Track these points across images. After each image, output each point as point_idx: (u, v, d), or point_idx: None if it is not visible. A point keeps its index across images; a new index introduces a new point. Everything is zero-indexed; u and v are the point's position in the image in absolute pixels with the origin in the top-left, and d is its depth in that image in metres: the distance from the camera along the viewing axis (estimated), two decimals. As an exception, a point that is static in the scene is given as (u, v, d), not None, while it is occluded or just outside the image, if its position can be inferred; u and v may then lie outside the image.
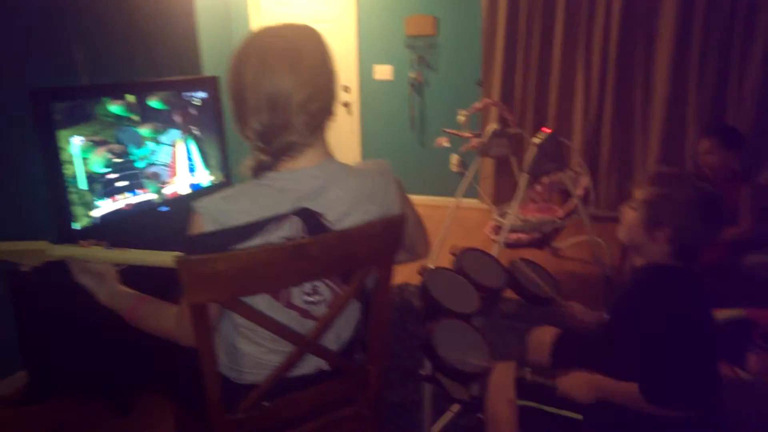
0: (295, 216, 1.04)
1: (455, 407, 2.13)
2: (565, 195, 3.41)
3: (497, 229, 3.34)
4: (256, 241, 1.02)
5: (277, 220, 1.03)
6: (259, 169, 1.06)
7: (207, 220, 1.01)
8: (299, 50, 1.03)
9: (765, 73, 3.73)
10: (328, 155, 1.13)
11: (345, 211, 1.10)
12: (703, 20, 3.82)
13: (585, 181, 3.38)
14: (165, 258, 1.11)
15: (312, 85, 1.03)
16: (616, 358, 1.40)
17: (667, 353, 1.26)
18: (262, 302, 1.08)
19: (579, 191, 3.33)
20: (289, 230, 1.05)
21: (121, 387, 2.23)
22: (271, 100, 1.01)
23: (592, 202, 3.34)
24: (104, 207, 2.19)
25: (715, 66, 3.87)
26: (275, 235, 1.03)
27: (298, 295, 1.11)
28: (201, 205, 1.01)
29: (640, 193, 1.38)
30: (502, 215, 3.38)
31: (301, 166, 1.08)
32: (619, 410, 1.31)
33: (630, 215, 1.40)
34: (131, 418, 2.19)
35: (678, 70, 3.98)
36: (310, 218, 1.05)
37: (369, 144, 5.15)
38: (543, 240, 3.22)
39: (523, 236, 3.20)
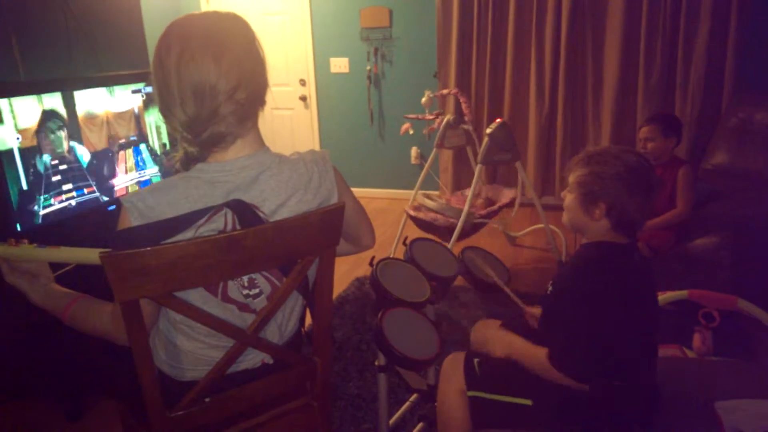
0: (227, 208, 1.02)
1: (414, 397, 2.15)
2: (489, 202, 3.51)
3: (418, 207, 3.40)
4: (187, 235, 0.99)
5: (208, 212, 1.01)
6: (188, 161, 1.04)
7: (133, 214, 0.98)
8: (223, 37, 1.00)
9: (709, 61, 3.83)
10: (260, 145, 1.10)
11: (280, 202, 1.08)
12: (649, 9, 3.91)
13: (511, 193, 3.48)
14: (95, 255, 1.07)
15: (238, 74, 1.00)
16: (552, 329, 1.43)
17: (582, 323, 1.30)
18: (196, 297, 1.06)
19: (504, 200, 3.43)
20: (222, 223, 1.03)
21: (71, 391, 2.17)
22: (196, 90, 0.98)
23: (514, 212, 3.56)
24: (48, 207, 2.12)
25: (662, 55, 3.96)
26: (207, 228, 1.01)
27: (235, 288, 1.10)
28: (127, 199, 0.98)
29: (572, 177, 1.41)
30: (428, 197, 3.44)
31: (232, 157, 1.06)
32: (565, 393, 1.33)
33: (568, 199, 1.43)
34: (82, 422, 2.14)
35: (627, 60, 4.06)
36: (243, 210, 1.03)
37: (327, 138, 5.12)
38: (452, 229, 3.21)
39: (440, 217, 3.23)
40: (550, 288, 1.48)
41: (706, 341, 2.01)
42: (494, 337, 1.48)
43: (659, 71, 3.99)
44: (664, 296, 2.01)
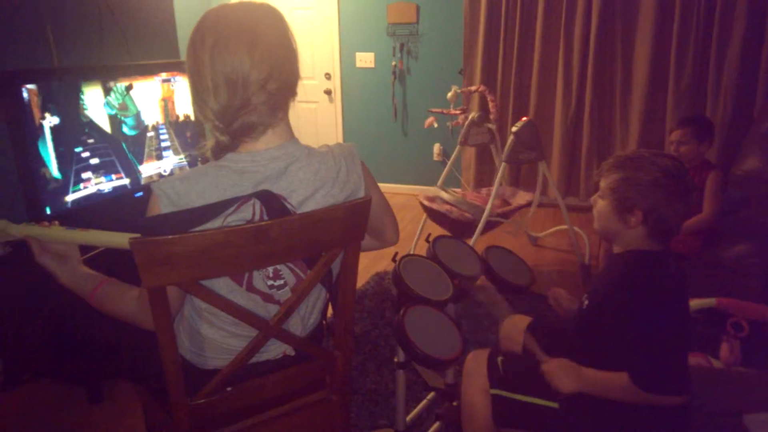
0: (255, 198, 1.02)
1: (431, 395, 2.14)
2: (505, 203, 3.47)
3: (433, 198, 3.38)
4: (215, 224, 0.99)
5: (237, 202, 1.01)
6: (219, 150, 1.03)
7: (163, 201, 0.98)
8: (256, 28, 1.00)
9: (743, 62, 3.74)
10: (290, 137, 1.10)
11: (308, 194, 1.08)
12: (682, 9, 3.83)
13: (528, 196, 3.44)
14: (124, 240, 1.08)
15: (270, 64, 1.00)
16: (595, 345, 1.39)
17: (656, 339, 1.24)
18: (222, 285, 1.06)
19: (521, 202, 3.40)
20: (250, 213, 1.02)
21: (94, 374, 2.20)
22: (229, 80, 0.98)
23: (530, 213, 3.48)
24: (77, 192, 2.15)
25: (694, 56, 3.88)
26: (235, 218, 1.01)
27: (260, 278, 1.09)
28: (158, 186, 0.99)
29: (604, 182, 1.37)
30: (444, 191, 3.42)
31: (262, 148, 1.05)
32: (596, 400, 1.30)
33: (600, 205, 1.39)
34: (103, 405, 2.17)
35: (657, 60, 3.99)
36: (271, 201, 1.03)
37: (351, 132, 5.12)
38: (469, 225, 3.16)
39: (454, 210, 3.20)
40: (586, 302, 1.43)
41: (734, 351, 1.96)
42: (559, 372, 1.34)
43: (690, 73, 3.91)
44: (691, 303, 1.97)
